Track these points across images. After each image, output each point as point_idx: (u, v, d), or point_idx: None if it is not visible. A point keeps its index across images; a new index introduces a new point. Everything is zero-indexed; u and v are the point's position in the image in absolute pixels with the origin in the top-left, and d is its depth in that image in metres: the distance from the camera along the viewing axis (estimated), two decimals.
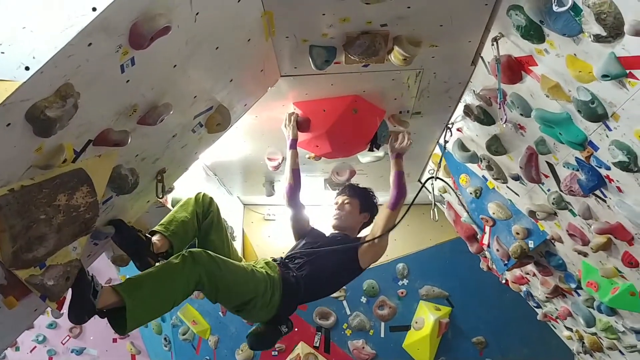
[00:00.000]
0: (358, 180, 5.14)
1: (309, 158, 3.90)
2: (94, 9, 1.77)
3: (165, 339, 6.81)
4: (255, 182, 5.41)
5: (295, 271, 3.20)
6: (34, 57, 1.73)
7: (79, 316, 2.42)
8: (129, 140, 2.33)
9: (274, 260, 3.27)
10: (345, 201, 3.60)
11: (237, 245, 6.07)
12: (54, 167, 2.09)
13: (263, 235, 6.37)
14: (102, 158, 2.36)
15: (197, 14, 2.20)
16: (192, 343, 6.66)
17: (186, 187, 4.14)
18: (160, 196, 2.94)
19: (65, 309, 2.41)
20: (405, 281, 6.28)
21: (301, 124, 3.52)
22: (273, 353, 6.11)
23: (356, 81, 3.28)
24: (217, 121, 2.88)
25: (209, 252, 2.82)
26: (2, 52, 1.72)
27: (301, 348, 6.08)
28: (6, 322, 2.64)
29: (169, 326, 6.74)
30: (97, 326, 6.51)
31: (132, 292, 2.56)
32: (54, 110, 1.87)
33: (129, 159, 2.58)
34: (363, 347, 6.12)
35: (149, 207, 3.20)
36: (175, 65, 2.33)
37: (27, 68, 1.72)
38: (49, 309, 3.05)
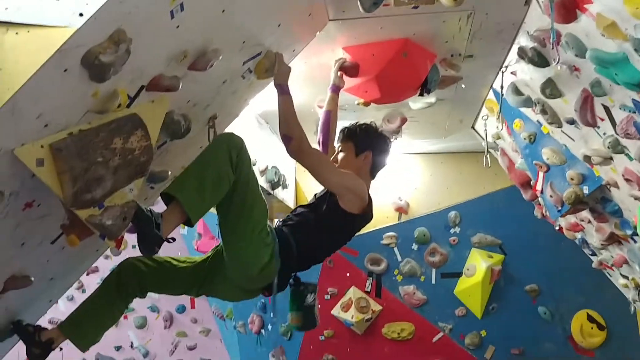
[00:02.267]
0: (409, 127, 5.12)
1: (358, 104, 3.90)
2: None
3: None
4: (307, 129, 5.44)
5: (287, 228, 3.04)
6: (87, 4, 1.79)
7: (150, 249, 2.54)
8: (180, 86, 2.39)
9: None
10: (338, 148, 3.25)
11: (290, 193, 6.15)
12: (109, 111, 2.17)
13: (315, 184, 6.41)
14: (155, 103, 2.43)
15: None
16: None
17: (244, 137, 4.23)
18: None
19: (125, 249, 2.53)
20: (457, 229, 6.28)
21: (350, 69, 3.50)
22: (326, 297, 6.25)
23: (406, 24, 3.24)
24: (266, 67, 2.91)
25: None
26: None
27: (353, 292, 6.20)
28: (69, 262, 2.79)
29: None
30: None
31: (180, 187, 2.64)
32: (108, 55, 1.94)
33: (180, 104, 2.64)
34: (414, 293, 6.19)
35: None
36: (223, 11, 2.36)
37: (80, 14, 1.78)
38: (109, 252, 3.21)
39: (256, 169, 4.65)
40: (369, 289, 6.23)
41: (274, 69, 2.92)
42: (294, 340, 6.44)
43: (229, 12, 2.38)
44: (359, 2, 2.88)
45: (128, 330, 7.81)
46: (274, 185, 5.15)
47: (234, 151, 2.71)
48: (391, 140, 3.34)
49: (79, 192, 2.11)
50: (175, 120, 2.59)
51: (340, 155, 3.19)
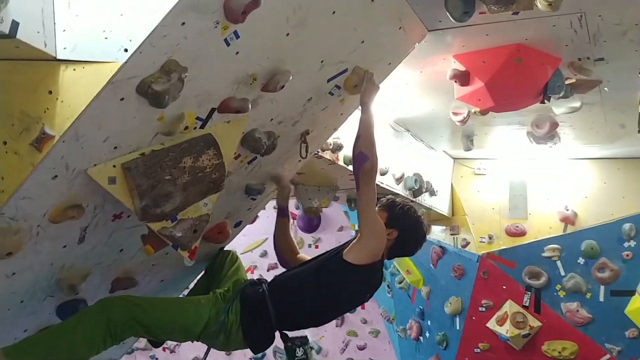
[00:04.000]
0: (570, 132, 4.77)
1: (475, 113, 3.75)
2: None
3: (388, 285, 7.12)
4: (454, 136, 5.33)
5: (264, 285, 2.93)
6: (130, 40, 2.00)
7: None
8: (250, 107, 2.53)
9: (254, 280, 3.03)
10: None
11: (445, 200, 6.05)
12: (175, 133, 2.38)
13: (472, 190, 6.25)
14: (231, 124, 2.60)
15: None
16: (407, 292, 6.86)
17: None
18: (304, 156, 3.11)
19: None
20: (632, 243, 5.67)
21: (461, 77, 3.39)
22: (480, 309, 6.04)
23: (513, 29, 3.06)
24: (354, 83, 2.93)
25: (125, 296, 2.74)
26: (106, 38, 2.01)
27: (509, 306, 5.91)
28: (176, 266, 3.07)
29: (389, 274, 7.03)
30: None
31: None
32: (160, 84, 2.13)
33: (263, 122, 2.78)
34: (577, 310, 5.73)
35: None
36: (287, 34, 2.44)
37: (125, 50, 1.99)
38: None
39: (390, 177, 4.68)
40: (527, 304, 5.89)
41: (362, 85, 2.94)
42: (449, 350, 6.31)
43: (294, 35, 2.46)
44: (447, 13, 2.80)
45: None
46: (416, 192, 5.11)
47: (117, 322, 2.60)
48: (425, 235, 3.08)
49: (147, 207, 2.35)
50: (256, 137, 2.73)
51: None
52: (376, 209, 2.94)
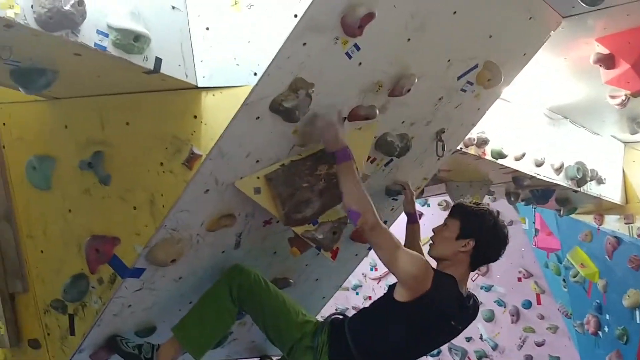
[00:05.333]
0: None
1: (626, 96, 3.54)
2: (295, 16, 2.15)
3: (563, 280, 6.86)
4: (621, 119, 5.01)
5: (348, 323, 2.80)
6: (259, 64, 2.22)
7: None
8: (377, 113, 2.66)
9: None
10: (446, 222, 2.84)
11: (616, 188, 5.70)
12: (309, 144, 2.58)
13: None
14: (362, 130, 2.76)
15: None
16: (582, 286, 6.55)
17: (524, 135, 4.25)
18: (441, 154, 3.16)
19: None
20: None
21: (605, 60, 3.25)
22: None
23: None
24: (487, 77, 2.94)
25: (255, 271, 2.83)
26: (237, 64, 2.25)
27: None
28: (329, 265, 3.27)
29: (563, 267, 6.76)
30: (503, 265, 7.04)
31: (180, 324, 2.77)
32: (290, 101, 2.34)
33: (395, 126, 2.90)
34: None
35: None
36: (409, 39, 2.54)
37: (255, 74, 2.22)
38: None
39: (548, 168, 4.56)
40: None
41: (497, 78, 2.94)
42: (630, 345, 5.92)
43: (416, 39, 2.55)
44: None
45: (477, 322, 8.13)
46: (580, 182, 4.89)
47: (234, 286, 2.75)
48: (507, 237, 2.83)
49: (289, 213, 2.58)
50: (388, 141, 2.85)
51: (441, 228, 2.83)
52: (446, 221, 2.82)
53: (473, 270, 2.84)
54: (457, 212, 2.83)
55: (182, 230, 2.51)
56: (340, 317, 2.90)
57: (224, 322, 2.82)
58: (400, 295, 2.63)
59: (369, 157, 2.90)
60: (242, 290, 2.75)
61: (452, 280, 2.70)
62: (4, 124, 2.79)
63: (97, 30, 1.97)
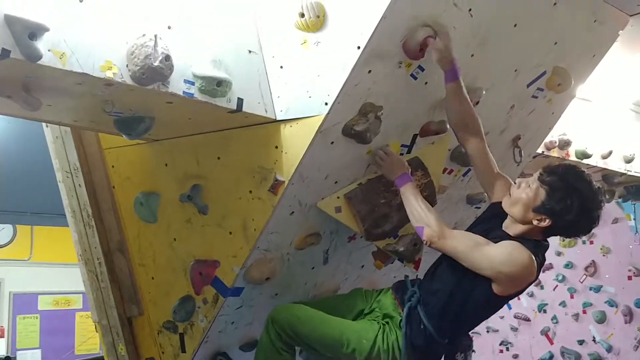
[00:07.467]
0: None
1: None
2: (358, 47, 2.33)
3: None
4: None
5: (425, 319, 2.55)
6: (329, 95, 2.41)
7: None
8: (448, 127, 2.78)
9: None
10: (531, 184, 2.41)
11: None
12: None
13: None
14: (435, 144, 2.89)
15: (469, 10, 2.50)
16: None
17: (610, 132, 4.22)
18: (519, 160, 3.22)
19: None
20: None
21: None
22: None
23: None
24: (557, 82, 3.00)
25: (290, 306, 2.77)
26: (310, 97, 2.45)
27: None
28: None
29: None
30: (611, 265, 6.85)
31: None
32: (361, 125, 2.52)
33: None
34: None
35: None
36: (472, 55, 2.66)
37: (326, 103, 2.42)
38: None
39: (638, 163, 4.47)
40: None
41: (567, 83, 2.99)
42: None
43: (479, 54, 2.67)
44: None
45: (589, 324, 7.91)
46: None
47: (280, 330, 2.65)
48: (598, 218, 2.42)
49: (369, 228, 2.75)
50: (462, 152, 2.96)
51: (518, 193, 2.42)
52: (534, 177, 2.42)
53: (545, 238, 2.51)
54: (546, 179, 2.38)
55: (274, 250, 2.74)
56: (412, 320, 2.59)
57: None
58: (502, 291, 2.42)
59: (445, 169, 3.03)
60: (293, 330, 2.63)
61: (545, 249, 2.49)
62: (113, 167, 3.14)
63: (184, 79, 2.24)
